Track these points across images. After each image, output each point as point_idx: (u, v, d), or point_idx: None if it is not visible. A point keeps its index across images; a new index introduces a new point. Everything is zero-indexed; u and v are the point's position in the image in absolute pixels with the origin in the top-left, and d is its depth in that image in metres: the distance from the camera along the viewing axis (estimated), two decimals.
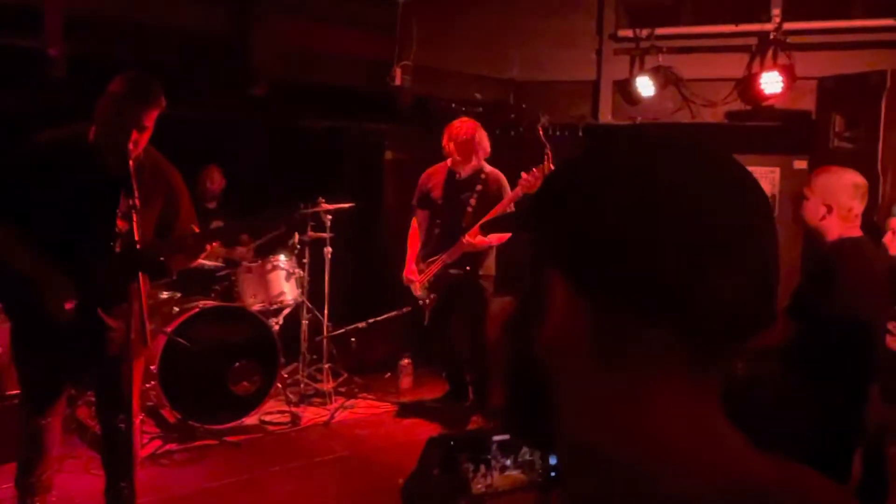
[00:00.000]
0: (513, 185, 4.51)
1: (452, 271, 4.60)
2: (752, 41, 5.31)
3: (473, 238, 4.43)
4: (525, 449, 0.87)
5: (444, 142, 4.58)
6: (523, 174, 4.24)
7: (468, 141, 4.48)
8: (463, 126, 4.55)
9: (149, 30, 4.59)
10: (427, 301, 4.71)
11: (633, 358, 0.56)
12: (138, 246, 2.50)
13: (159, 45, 4.63)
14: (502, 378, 0.65)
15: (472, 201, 4.55)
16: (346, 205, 5.07)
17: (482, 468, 0.85)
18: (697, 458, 0.56)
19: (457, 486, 0.83)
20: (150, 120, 2.64)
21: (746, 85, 5.28)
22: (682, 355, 0.56)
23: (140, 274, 2.66)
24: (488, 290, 4.69)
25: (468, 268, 4.58)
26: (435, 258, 4.64)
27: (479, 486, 0.84)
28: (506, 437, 0.86)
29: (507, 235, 4.36)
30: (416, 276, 4.70)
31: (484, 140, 4.55)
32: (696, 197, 0.56)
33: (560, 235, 0.58)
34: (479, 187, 4.57)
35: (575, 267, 0.57)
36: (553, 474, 0.71)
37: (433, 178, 4.77)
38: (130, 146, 2.59)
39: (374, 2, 5.58)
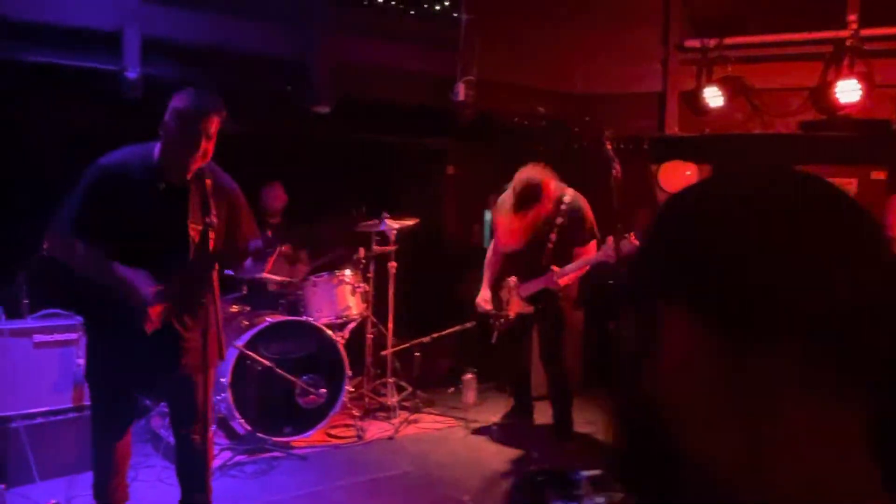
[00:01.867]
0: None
1: (529, 303, 4.55)
2: (826, 49, 5.13)
3: (560, 280, 4.34)
4: (617, 488, 0.84)
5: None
6: (609, 239, 4.10)
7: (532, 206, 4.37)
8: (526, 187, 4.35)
9: (218, 52, 4.74)
10: (498, 323, 4.65)
11: (763, 376, 0.54)
12: (214, 259, 2.57)
13: (228, 67, 4.77)
14: (614, 428, 0.63)
15: (553, 236, 4.43)
16: (412, 221, 5.10)
17: None
18: (840, 489, 0.53)
19: None
20: (215, 127, 2.74)
21: (821, 94, 5.10)
22: (812, 367, 0.54)
23: (214, 288, 2.73)
24: (567, 313, 4.62)
25: (544, 304, 4.51)
26: (512, 289, 4.59)
27: None
28: (597, 472, 0.83)
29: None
30: (489, 306, 4.66)
31: (549, 187, 4.36)
32: (814, 214, 0.56)
33: (680, 266, 0.57)
34: (558, 220, 4.43)
35: (699, 295, 0.56)
36: None
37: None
38: (199, 155, 2.70)
39: (437, 18, 5.63)
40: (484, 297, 4.68)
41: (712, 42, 5.49)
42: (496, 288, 4.69)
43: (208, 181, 2.79)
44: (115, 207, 2.73)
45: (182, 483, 3.04)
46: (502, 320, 4.62)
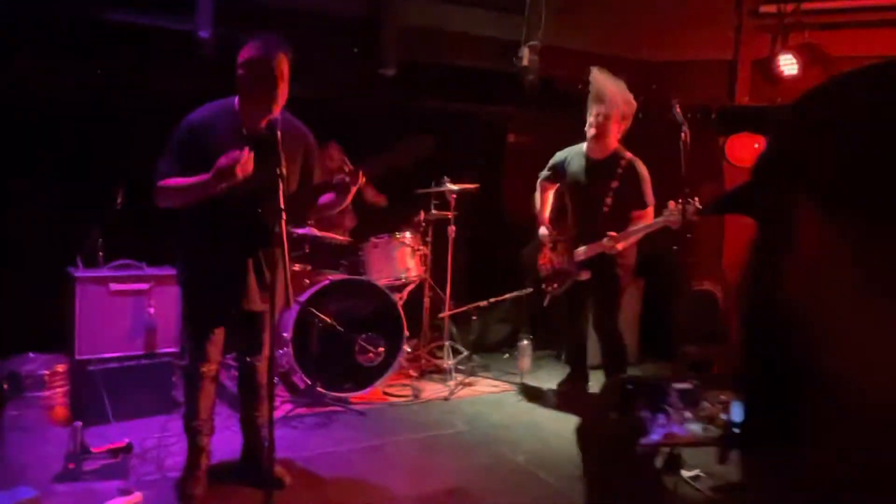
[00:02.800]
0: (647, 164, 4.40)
1: (583, 274, 4.50)
2: None
3: (618, 245, 4.26)
4: (706, 402, 0.83)
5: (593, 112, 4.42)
6: (671, 203, 4.04)
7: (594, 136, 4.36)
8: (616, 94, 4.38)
9: (288, 12, 4.80)
10: (552, 287, 4.63)
11: None
12: (284, 213, 2.63)
13: (297, 27, 4.81)
14: (741, 330, 0.60)
15: (608, 200, 4.35)
16: (471, 185, 5.11)
17: (660, 417, 0.82)
18: None
19: (634, 431, 0.81)
20: (286, 68, 2.87)
21: None
22: None
23: (283, 239, 2.81)
24: (624, 278, 4.52)
25: (600, 270, 4.44)
26: (564, 248, 4.55)
27: (657, 434, 0.82)
28: (686, 385, 0.83)
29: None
30: (550, 230, 4.68)
31: (628, 115, 4.39)
32: None
33: (817, 157, 0.55)
34: (614, 184, 4.36)
35: (838, 191, 0.53)
36: (736, 430, 0.68)
37: (568, 159, 4.63)
38: (276, 98, 2.83)
39: None
40: (546, 226, 4.70)
41: (789, 7, 5.28)
42: (552, 247, 4.66)
43: (279, 131, 2.86)
44: (205, 160, 2.84)
45: (243, 402, 3.31)
46: (556, 284, 4.59)
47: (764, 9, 5.50)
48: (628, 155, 4.43)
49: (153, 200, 2.99)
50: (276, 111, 2.88)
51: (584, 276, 4.49)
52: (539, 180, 4.80)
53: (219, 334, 3.12)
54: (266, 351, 3.16)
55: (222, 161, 2.75)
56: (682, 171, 3.68)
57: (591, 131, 4.40)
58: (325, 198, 3.17)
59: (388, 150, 2.95)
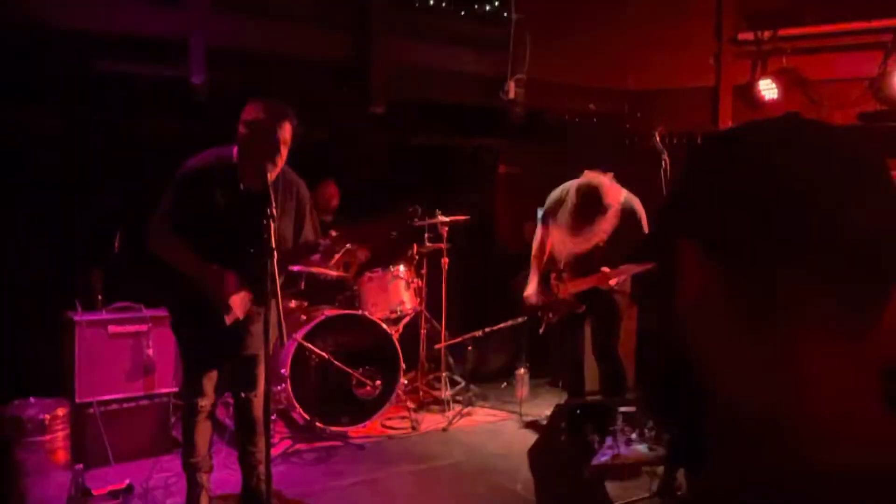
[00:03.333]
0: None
1: (580, 300, 4.46)
2: (886, 37, 5.02)
3: (610, 281, 4.22)
4: (650, 423, 0.90)
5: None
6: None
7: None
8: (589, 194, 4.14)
9: (279, 57, 4.93)
10: (547, 316, 4.60)
11: (777, 311, 0.57)
12: (275, 253, 2.71)
13: (288, 71, 4.96)
14: (644, 357, 0.67)
15: (605, 237, 4.23)
16: (462, 217, 5.19)
17: (608, 440, 0.89)
18: (856, 432, 0.54)
19: (583, 454, 0.88)
20: (289, 134, 2.92)
21: (881, 84, 5.00)
22: (830, 301, 0.55)
23: (275, 278, 2.89)
24: (621, 304, 4.49)
25: (596, 298, 4.40)
26: (562, 283, 4.51)
27: (605, 456, 0.89)
28: (631, 409, 0.90)
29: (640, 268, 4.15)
30: (537, 300, 4.56)
31: (609, 195, 4.13)
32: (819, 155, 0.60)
33: (692, 202, 0.62)
34: (605, 226, 4.17)
35: (711, 230, 0.60)
36: (678, 451, 0.74)
37: (562, 197, 4.42)
38: (276, 161, 2.90)
39: (488, 19, 5.72)
40: (532, 291, 4.60)
41: (766, 34, 5.43)
42: (545, 280, 4.68)
43: (277, 180, 2.97)
44: (200, 208, 2.95)
45: (241, 439, 3.31)
46: (551, 314, 4.63)
47: (742, 36, 5.65)
48: (623, 192, 4.28)
49: (145, 241, 3.06)
50: (275, 173, 2.94)
51: (580, 308, 4.50)
52: (539, 225, 4.70)
53: (213, 372, 3.18)
54: (261, 386, 3.20)
55: (233, 303, 2.94)
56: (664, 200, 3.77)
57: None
58: (307, 259, 3.28)
59: (378, 220, 3.06)
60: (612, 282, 4.29)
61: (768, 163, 0.60)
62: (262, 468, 3.14)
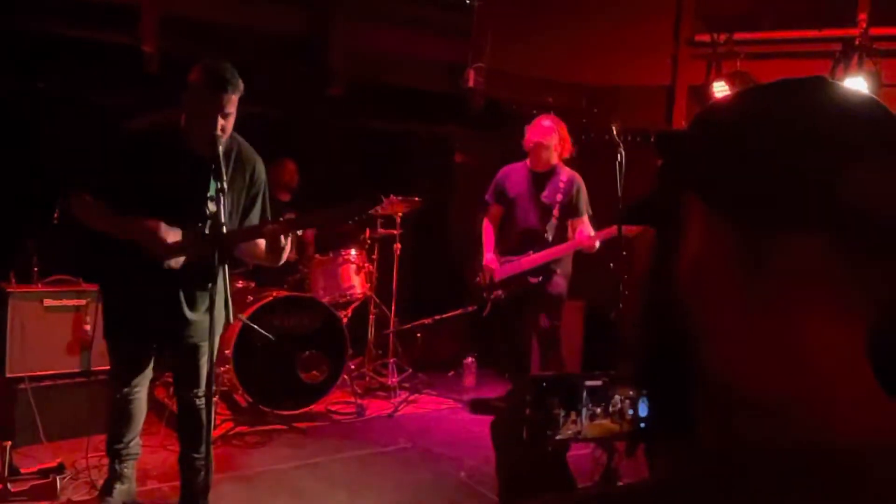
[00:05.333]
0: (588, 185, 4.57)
1: (531, 278, 4.55)
2: (836, 46, 5.16)
3: (596, 242, 4.43)
4: (616, 398, 0.89)
5: (526, 140, 4.60)
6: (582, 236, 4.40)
7: (545, 146, 4.52)
8: (540, 128, 4.57)
9: (234, 30, 4.80)
10: (493, 296, 4.64)
11: (781, 275, 0.54)
12: (224, 227, 2.60)
13: (243, 45, 4.83)
14: (637, 321, 0.64)
15: (556, 212, 4.54)
16: (415, 198, 5.11)
17: (572, 414, 0.87)
18: (856, 406, 0.52)
19: (547, 428, 0.86)
20: (232, 106, 2.73)
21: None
22: (834, 263, 0.53)
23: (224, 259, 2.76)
24: (563, 296, 4.64)
25: (543, 277, 4.54)
26: (513, 259, 4.59)
27: (569, 430, 0.87)
28: (597, 383, 0.88)
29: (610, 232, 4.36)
30: (496, 265, 4.63)
31: (565, 141, 4.59)
32: (830, 108, 0.57)
33: (698, 157, 0.60)
34: (559, 197, 4.55)
35: (713, 185, 0.58)
36: (643, 426, 0.73)
37: (511, 176, 4.72)
38: (219, 132, 2.70)
39: (449, 5, 5.67)
40: (491, 259, 4.66)
41: (722, 37, 5.52)
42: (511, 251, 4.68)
43: (230, 152, 2.83)
44: (139, 174, 2.76)
45: (182, 443, 3.11)
46: (501, 290, 4.60)
47: (699, 38, 5.73)
48: (568, 170, 4.63)
49: (68, 204, 2.86)
50: (222, 137, 2.74)
51: (533, 280, 4.56)
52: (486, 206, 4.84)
53: (145, 359, 3.02)
54: (204, 385, 2.99)
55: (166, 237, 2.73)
56: (619, 191, 3.80)
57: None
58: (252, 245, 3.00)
59: (333, 207, 2.87)
60: (597, 244, 4.38)
61: (787, 119, 0.57)
62: (202, 475, 2.98)
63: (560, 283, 4.60)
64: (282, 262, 3.05)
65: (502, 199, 4.72)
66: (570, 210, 4.58)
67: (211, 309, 2.67)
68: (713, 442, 0.58)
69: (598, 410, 0.87)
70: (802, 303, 0.54)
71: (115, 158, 2.85)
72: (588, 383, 0.87)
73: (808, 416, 0.53)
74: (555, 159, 4.60)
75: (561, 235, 4.58)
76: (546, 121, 4.60)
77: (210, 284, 2.58)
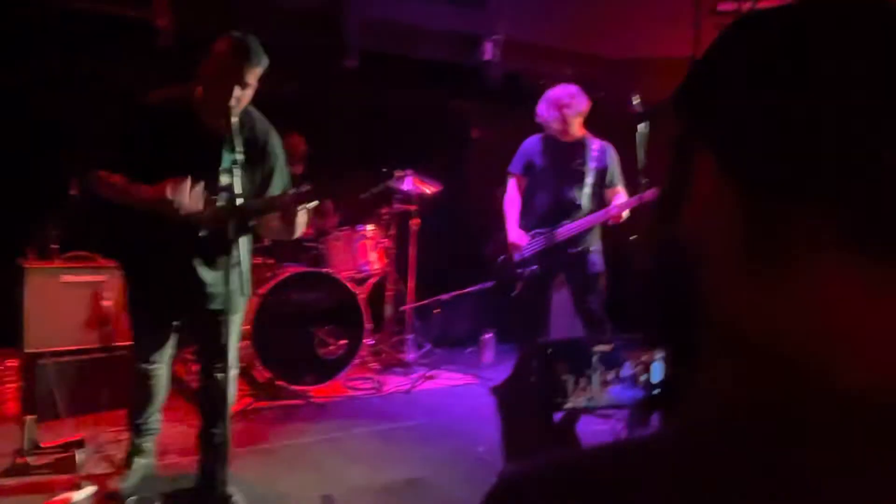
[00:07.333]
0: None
1: (570, 249, 4.37)
2: None
3: (623, 212, 4.27)
4: (629, 363, 0.85)
5: (545, 109, 4.41)
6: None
7: (573, 115, 4.37)
8: (567, 97, 4.39)
9: (248, 4, 4.75)
10: (527, 273, 4.44)
11: (791, 245, 0.51)
12: (240, 200, 2.57)
13: (258, 18, 4.78)
14: (643, 271, 0.61)
15: (590, 181, 4.37)
16: (435, 188, 5.06)
17: (582, 381, 0.83)
18: (879, 352, 0.49)
19: (555, 396, 0.82)
20: (253, 78, 2.71)
21: None
22: (851, 247, 0.49)
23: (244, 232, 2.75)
24: (603, 274, 4.44)
25: (580, 250, 4.37)
26: (545, 231, 4.42)
27: (579, 398, 0.83)
28: (607, 347, 0.84)
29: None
30: (525, 241, 4.43)
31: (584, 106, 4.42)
32: (852, 66, 0.49)
33: (711, 111, 0.55)
34: (592, 165, 4.39)
35: (726, 143, 0.53)
36: (657, 391, 0.69)
37: (539, 146, 4.53)
38: (233, 102, 2.67)
39: None
40: (518, 235, 4.44)
41: (746, 5, 5.37)
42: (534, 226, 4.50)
43: (244, 125, 2.80)
44: (154, 148, 2.75)
45: (203, 416, 3.11)
46: (530, 269, 4.41)
47: (722, 7, 5.58)
48: (596, 139, 4.47)
49: (90, 185, 2.86)
50: (236, 108, 2.70)
51: (572, 250, 4.40)
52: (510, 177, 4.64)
53: (167, 333, 3.02)
54: (231, 357, 2.91)
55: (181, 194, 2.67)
56: (639, 165, 3.73)
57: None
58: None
59: (349, 178, 2.82)
60: (624, 214, 4.27)
61: (806, 66, 0.50)
62: (221, 449, 2.96)
63: (597, 260, 4.42)
64: (297, 234, 3.02)
65: (530, 170, 4.51)
66: (603, 179, 4.41)
67: (226, 281, 2.66)
68: (729, 390, 0.54)
69: (610, 377, 0.82)
70: (814, 270, 0.50)
71: (130, 133, 2.84)
72: (598, 348, 0.82)
73: (828, 364, 0.50)
74: (582, 129, 4.44)
75: (595, 205, 4.40)
76: (571, 88, 4.41)
77: (226, 255, 2.57)
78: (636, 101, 4.14)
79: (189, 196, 2.71)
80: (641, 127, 3.71)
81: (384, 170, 4.12)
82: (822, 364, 0.49)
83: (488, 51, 5.36)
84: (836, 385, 0.49)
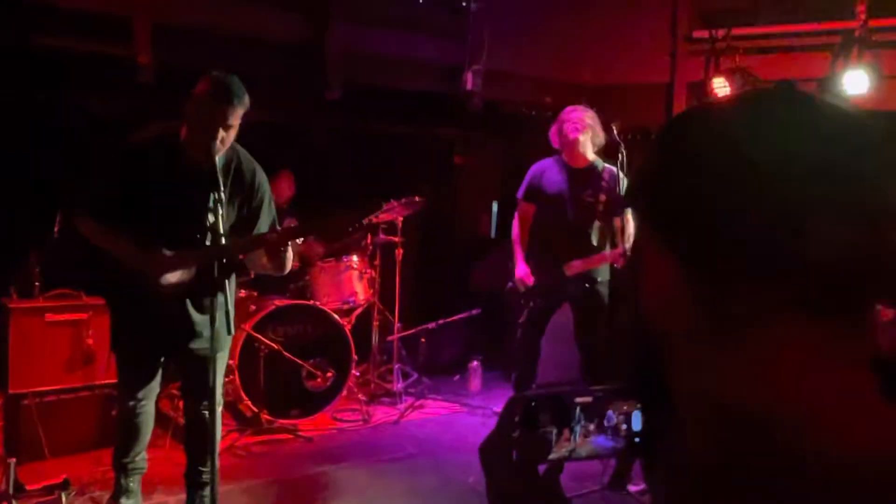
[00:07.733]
0: None
1: (571, 284, 4.16)
2: (835, 39, 5.12)
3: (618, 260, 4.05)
4: (610, 413, 0.87)
5: (555, 133, 4.16)
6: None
7: (580, 140, 4.07)
8: (573, 121, 4.09)
9: (230, 38, 4.78)
10: (532, 302, 4.23)
11: (744, 319, 0.53)
12: (223, 239, 2.58)
13: (239, 53, 4.81)
14: (624, 339, 0.64)
15: (599, 212, 4.11)
16: (415, 198, 4.96)
17: (565, 432, 0.85)
18: (845, 424, 0.51)
19: (538, 449, 0.84)
20: (236, 119, 2.73)
21: (829, 85, 5.10)
22: (800, 315, 0.52)
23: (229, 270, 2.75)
24: (605, 297, 4.24)
25: (588, 283, 4.17)
26: (550, 264, 4.20)
27: (562, 449, 0.85)
28: (589, 399, 0.86)
29: None
30: (531, 279, 4.20)
31: (597, 130, 4.12)
32: (780, 155, 0.53)
33: (657, 206, 0.57)
34: (602, 197, 4.11)
35: (674, 237, 0.56)
36: (637, 440, 0.71)
37: (547, 172, 4.27)
38: (218, 144, 2.69)
39: (446, 8, 5.65)
40: (525, 272, 4.21)
41: (720, 33, 5.48)
42: (543, 260, 4.27)
43: (229, 163, 2.82)
44: (138, 187, 2.76)
45: (189, 456, 3.09)
46: (538, 299, 4.21)
47: (697, 34, 5.70)
48: (606, 166, 4.21)
49: (74, 223, 2.87)
50: (221, 148, 2.74)
51: (581, 286, 4.19)
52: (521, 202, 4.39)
53: (152, 370, 3.00)
54: (216, 396, 2.87)
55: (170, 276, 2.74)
56: (621, 191, 3.78)
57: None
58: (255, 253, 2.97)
59: (334, 214, 2.84)
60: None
61: (734, 152, 0.53)
62: (208, 489, 2.94)
63: (604, 293, 4.23)
64: (286, 270, 3.04)
65: (538, 197, 4.28)
66: (614, 209, 4.12)
67: (212, 321, 2.66)
68: (703, 454, 0.57)
69: (592, 427, 0.84)
70: (769, 342, 0.53)
71: (114, 172, 2.85)
72: (579, 400, 0.84)
73: (794, 429, 0.53)
74: (591, 153, 4.18)
75: (605, 237, 4.19)
76: (577, 112, 4.15)
77: (212, 296, 2.57)
78: (615, 128, 4.13)
79: (174, 275, 2.75)
80: (620, 156, 3.75)
81: (371, 202, 4.10)
82: (775, 424, 0.52)
83: (469, 81, 5.42)
84: (789, 445, 0.52)
